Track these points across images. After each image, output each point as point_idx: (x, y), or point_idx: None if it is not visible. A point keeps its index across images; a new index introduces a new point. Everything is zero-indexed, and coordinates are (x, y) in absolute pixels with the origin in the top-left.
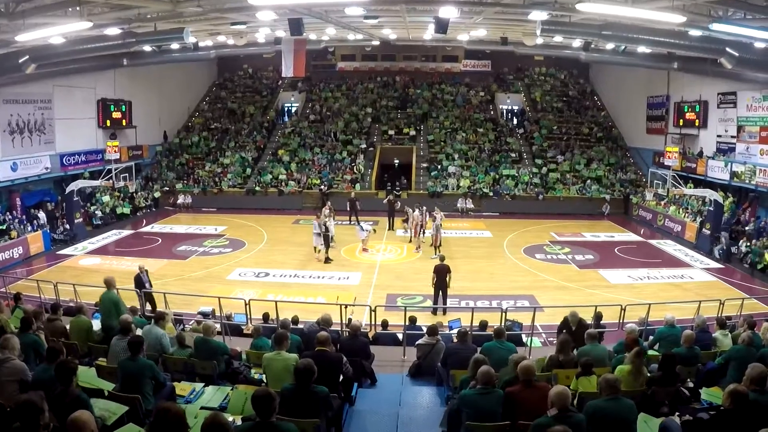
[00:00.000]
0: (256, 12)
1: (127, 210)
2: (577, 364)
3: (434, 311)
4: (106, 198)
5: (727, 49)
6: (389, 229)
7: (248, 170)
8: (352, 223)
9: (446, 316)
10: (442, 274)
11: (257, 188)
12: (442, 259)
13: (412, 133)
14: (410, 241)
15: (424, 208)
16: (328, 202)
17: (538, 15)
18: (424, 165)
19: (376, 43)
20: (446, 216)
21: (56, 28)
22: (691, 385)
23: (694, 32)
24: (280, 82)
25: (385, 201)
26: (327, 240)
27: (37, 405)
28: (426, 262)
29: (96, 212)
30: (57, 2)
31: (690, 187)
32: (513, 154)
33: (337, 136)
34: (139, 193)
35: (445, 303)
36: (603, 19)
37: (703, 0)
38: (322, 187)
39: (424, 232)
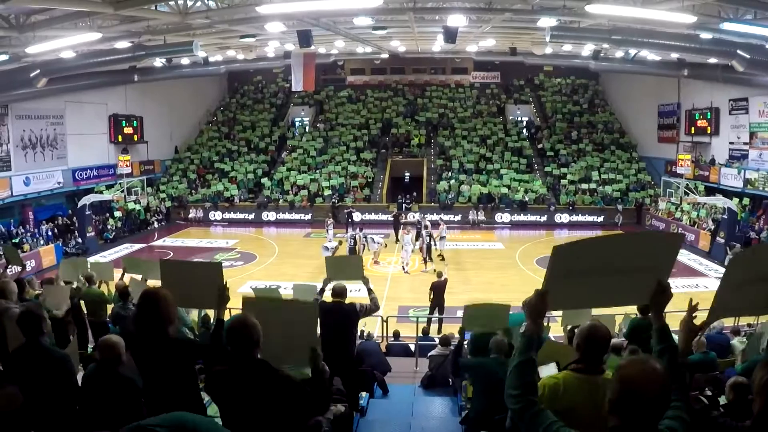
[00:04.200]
0: (264, 24)
1: (141, 215)
2: None
3: (439, 323)
4: (117, 213)
5: (738, 51)
6: (398, 241)
7: (261, 178)
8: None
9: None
10: (440, 291)
11: (271, 195)
12: (440, 275)
13: (422, 141)
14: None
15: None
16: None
17: (547, 21)
18: (435, 177)
19: (385, 56)
20: (458, 228)
21: (66, 39)
22: (709, 393)
23: (705, 35)
24: (291, 95)
25: (391, 215)
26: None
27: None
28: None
29: (108, 226)
30: (66, 14)
31: (701, 194)
32: (523, 162)
33: (347, 147)
34: (154, 202)
35: (440, 323)
36: (612, 24)
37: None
38: (334, 200)
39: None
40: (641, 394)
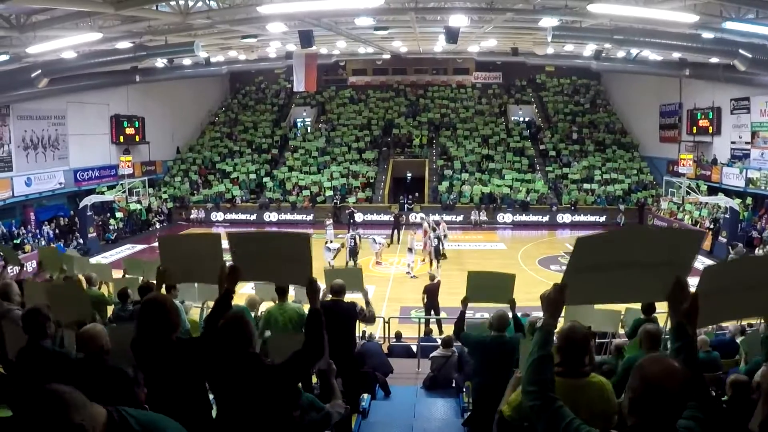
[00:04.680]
0: (265, 24)
1: (143, 216)
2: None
3: (438, 324)
4: (118, 214)
5: (740, 50)
6: (392, 243)
7: (263, 179)
8: (364, 237)
9: None
10: (433, 294)
11: (273, 195)
12: (432, 278)
13: (424, 142)
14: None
15: (430, 219)
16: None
17: (549, 21)
18: (436, 178)
19: (386, 56)
20: (460, 228)
21: (67, 39)
22: (712, 393)
23: (707, 34)
24: (292, 96)
25: (393, 216)
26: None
27: None
28: (443, 275)
29: (110, 227)
30: (67, 14)
31: (703, 194)
32: (525, 162)
33: (349, 147)
34: (155, 203)
35: (439, 326)
36: (614, 24)
37: None
38: (335, 200)
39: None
40: (664, 392)
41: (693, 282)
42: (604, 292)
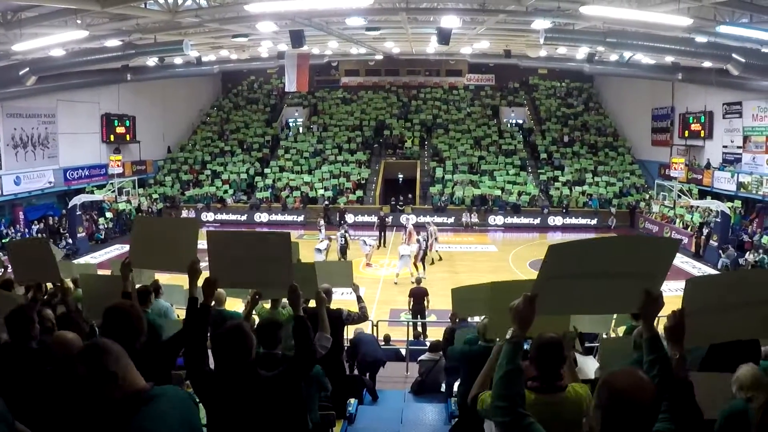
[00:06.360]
0: (255, 23)
1: (132, 216)
2: None
3: (423, 328)
4: (108, 214)
5: (734, 55)
6: (381, 245)
7: (254, 179)
8: (354, 238)
9: None
10: (419, 299)
11: (264, 195)
12: (418, 281)
13: (416, 143)
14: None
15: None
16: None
17: (542, 24)
18: (427, 179)
19: (379, 57)
20: (451, 230)
21: (54, 37)
22: None
23: (700, 38)
24: (284, 96)
25: (377, 217)
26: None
27: None
28: (432, 277)
29: (99, 226)
30: (55, 11)
31: (695, 197)
32: (517, 162)
33: (340, 148)
34: (145, 203)
35: (424, 330)
36: (607, 27)
37: (710, 2)
38: (326, 201)
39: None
40: (634, 405)
41: (674, 286)
42: (575, 303)
